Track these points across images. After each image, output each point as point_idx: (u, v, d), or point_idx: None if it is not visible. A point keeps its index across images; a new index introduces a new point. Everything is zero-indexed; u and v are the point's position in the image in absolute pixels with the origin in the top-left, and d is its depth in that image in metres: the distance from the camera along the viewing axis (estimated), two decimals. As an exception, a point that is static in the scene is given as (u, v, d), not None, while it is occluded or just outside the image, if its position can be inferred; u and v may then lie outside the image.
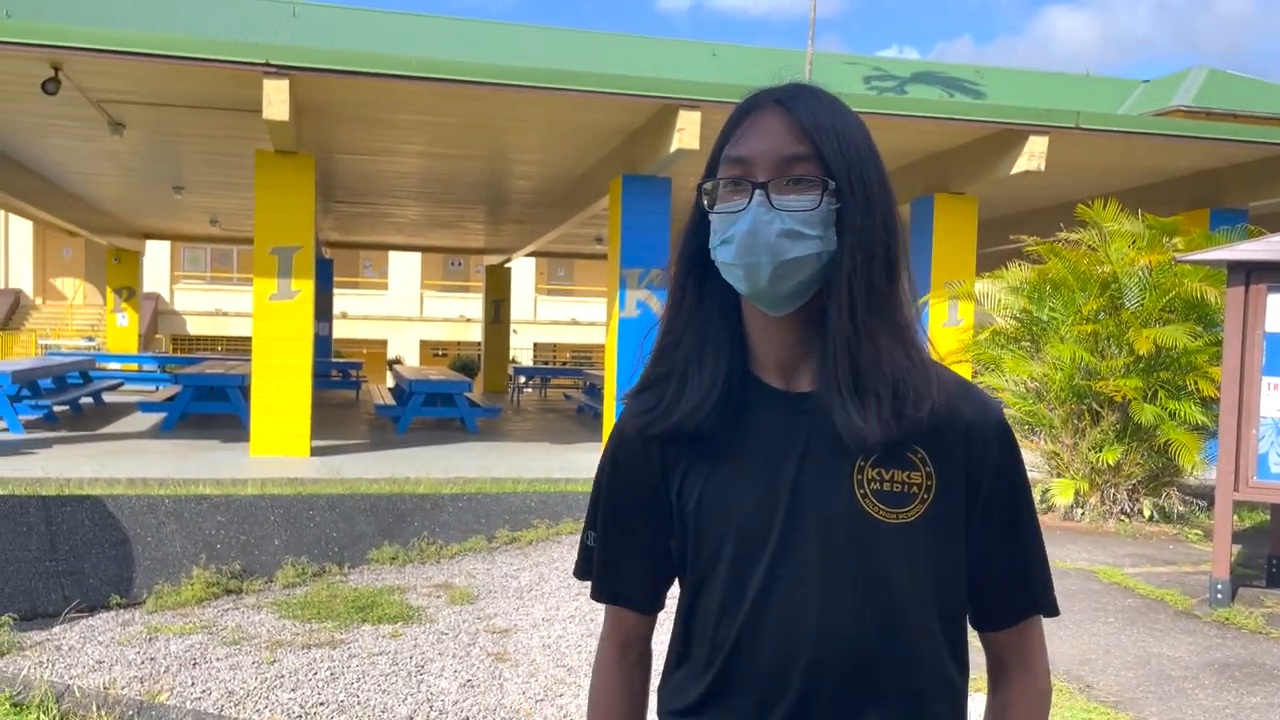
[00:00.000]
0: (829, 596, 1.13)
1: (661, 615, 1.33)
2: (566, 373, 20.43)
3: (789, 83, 1.18)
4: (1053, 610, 1.23)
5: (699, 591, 1.21)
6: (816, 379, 1.14)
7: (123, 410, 13.50)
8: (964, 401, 1.17)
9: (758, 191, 1.11)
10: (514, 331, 26.59)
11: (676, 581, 1.29)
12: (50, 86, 8.00)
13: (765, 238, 1.10)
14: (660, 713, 1.28)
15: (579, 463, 9.73)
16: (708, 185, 1.16)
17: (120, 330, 21.02)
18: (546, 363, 31.16)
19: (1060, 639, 5.05)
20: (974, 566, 1.18)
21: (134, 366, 18.93)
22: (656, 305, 10.13)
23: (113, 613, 5.49)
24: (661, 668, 1.30)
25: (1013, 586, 1.20)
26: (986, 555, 1.18)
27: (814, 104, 1.14)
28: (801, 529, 1.14)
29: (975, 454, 1.16)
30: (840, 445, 1.12)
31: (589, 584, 1.32)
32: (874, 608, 1.12)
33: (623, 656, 1.32)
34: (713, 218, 1.16)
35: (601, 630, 1.35)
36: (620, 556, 1.29)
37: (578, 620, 5.32)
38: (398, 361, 28.58)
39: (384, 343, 31.82)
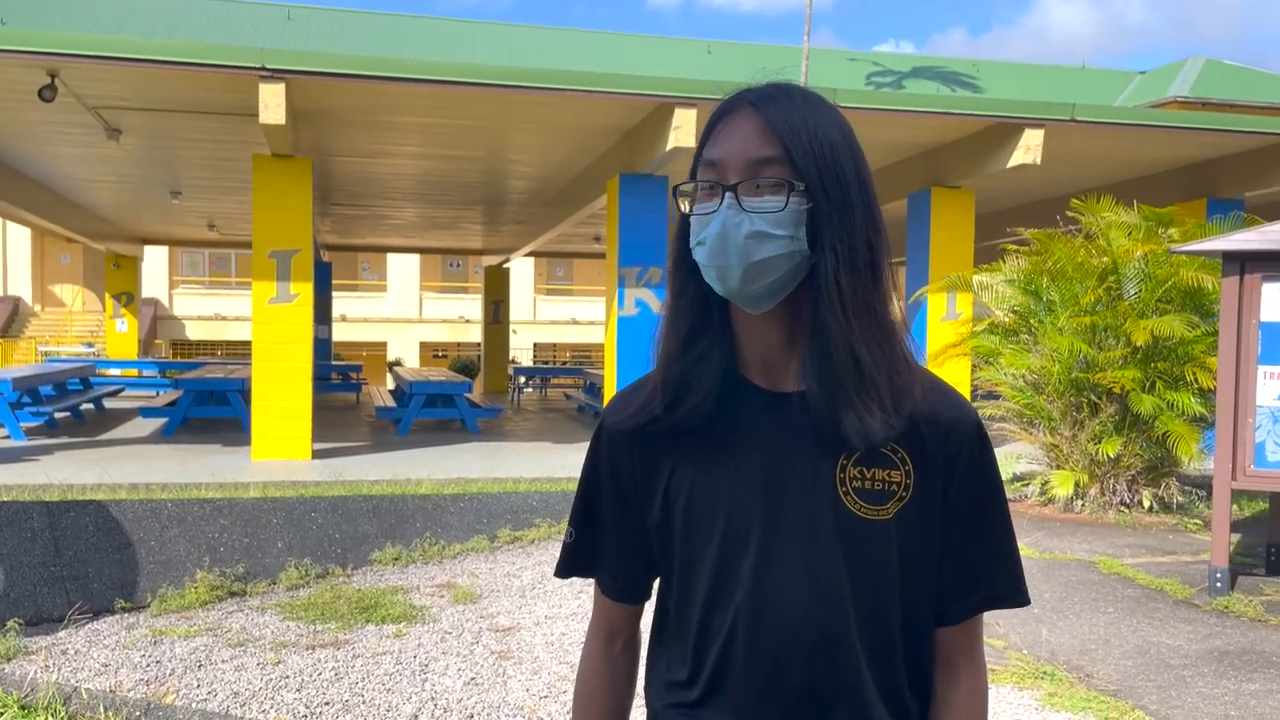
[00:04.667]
0: (814, 591, 1.16)
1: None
2: (567, 372, 20.45)
3: (768, 83, 1.19)
4: (1023, 600, 1.25)
5: (686, 586, 1.23)
6: (808, 378, 1.15)
7: (124, 416, 13.53)
8: (942, 403, 1.19)
9: (727, 194, 1.12)
10: (513, 332, 26.61)
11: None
12: (47, 94, 8.01)
13: (735, 240, 1.12)
14: (652, 703, 1.30)
15: (580, 462, 9.69)
16: (685, 187, 1.18)
17: (120, 336, 21.03)
18: (546, 362, 31.18)
19: (1060, 629, 5.08)
20: (939, 562, 1.21)
21: (134, 372, 18.94)
22: (655, 303, 10.16)
23: (117, 616, 5.52)
24: (648, 651, 1.34)
25: (969, 584, 1.22)
26: (950, 551, 1.20)
27: (787, 105, 1.15)
28: (787, 526, 1.17)
29: (953, 454, 1.18)
30: (823, 443, 1.16)
31: (575, 580, 1.36)
32: (857, 601, 1.16)
33: (609, 645, 1.35)
34: (691, 220, 1.18)
35: (590, 619, 1.39)
36: (602, 544, 1.32)
37: (580, 618, 5.35)
38: (398, 363, 28.61)
39: (384, 345, 31.84)
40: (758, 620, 1.17)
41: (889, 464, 1.16)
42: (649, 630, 1.35)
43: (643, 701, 1.36)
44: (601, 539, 1.32)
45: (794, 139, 1.12)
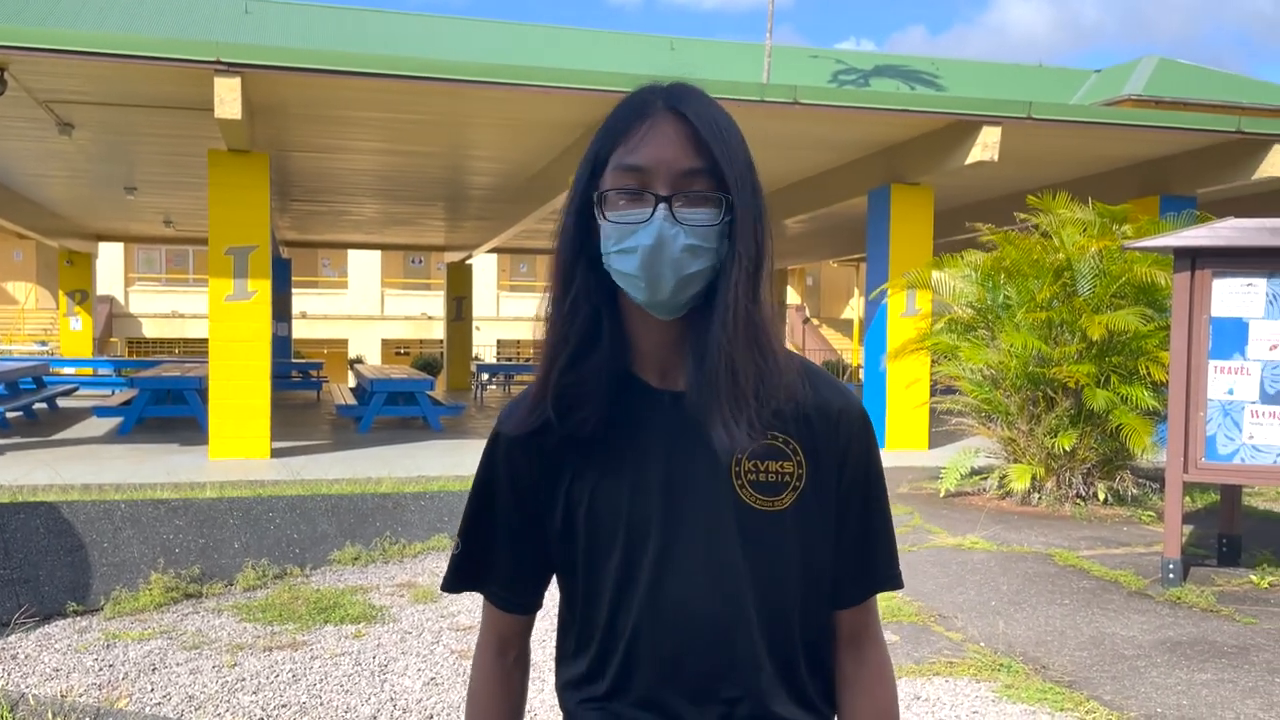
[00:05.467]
0: (713, 584, 1.18)
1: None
2: (530, 369, 20.35)
3: (674, 83, 1.19)
4: (899, 584, 1.30)
5: (590, 588, 1.23)
6: (689, 381, 1.16)
7: (78, 415, 13.30)
8: (828, 390, 1.23)
9: (661, 205, 1.11)
10: (476, 329, 26.49)
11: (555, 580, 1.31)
12: (-5, 87, 7.85)
13: (670, 252, 1.11)
14: (565, 704, 1.30)
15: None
16: (605, 191, 1.14)
17: (74, 334, 20.69)
18: (510, 359, 31.06)
19: (1017, 621, 5.14)
20: (838, 543, 1.24)
21: (89, 371, 18.64)
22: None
23: (69, 620, 5.42)
24: (555, 654, 1.33)
25: (866, 566, 1.26)
26: (846, 536, 1.24)
27: (704, 110, 1.14)
28: (687, 522, 1.18)
29: (843, 442, 1.22)
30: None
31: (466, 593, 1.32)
32: (755, 591, 1.19)
33: (501, 656, 1.34)
34: (605, 225, 1.14)
35: (479, 631, 1.37)
36: (494, 556, 1.30)
37: (541, 616, 5.31)
38: (359, 361, 28.37)
39: (345, 342, 31.57)
40: (660, 615, 1.19)
41: (781, 455, 1.19)
42: (555, 634, 1.34)
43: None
44: (494, 550, 1.29)
45: (720, 149, 1.12)
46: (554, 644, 1.36)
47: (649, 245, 1.11)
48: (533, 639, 1.43)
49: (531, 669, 1.43)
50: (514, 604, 1.32)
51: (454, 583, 1.33)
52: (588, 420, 1.18)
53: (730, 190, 1.12)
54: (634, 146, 1.13)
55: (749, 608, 1.18)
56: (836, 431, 1.21)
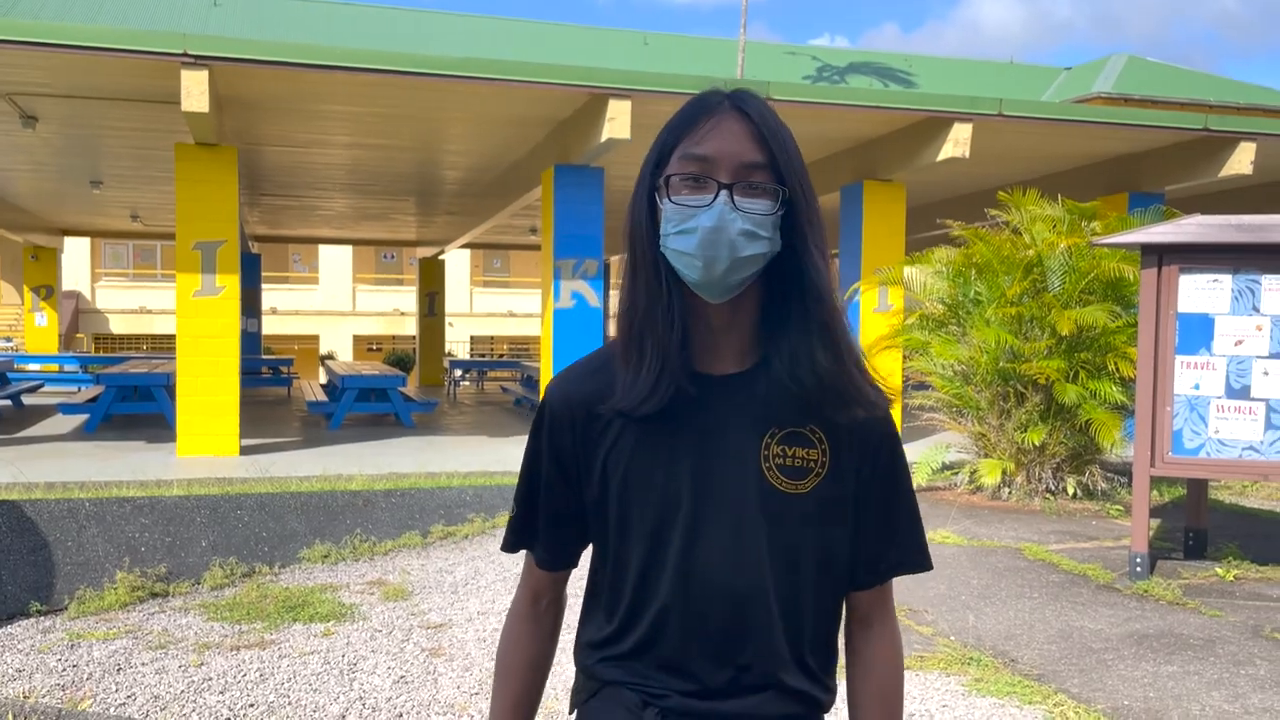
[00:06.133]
0: (739, 557, 1.27)
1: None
2: (503, 365, 20.29)
3: (737, 88, 1.28)
4: (928, 565, 1.38)
5: (621, 556, 1.31)
6: (791, 363, 1.25)
7: (43, 412, 13.12)
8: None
9: (723, 191, 1.20)
10: (449, 324, 26.37)
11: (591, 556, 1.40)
12: (-44, 78, 7.71)
13: (728, 235, 1.19)
14: (587, 658, 1.38)
15: (515, 455, 9.68)
16: (669, 176, 1.23)
17: (39, 330, 20.39)
18: (483, 355, 30.96)
19: (987, 615, 5.17)
20: (854, 532, 1.33)
21: (54, 367, 18.39)
22: (592, 296, 10.12)
23: (32, 620, 5.34)
24: (579, 616, 1.41)
25: (887, 550, 1.35)
26: (869, 522, 1.33)
27: (766, 113, 1.25)
28: (715, 498, 1.27)
29: (867, 435, 1.31)
30: (751, 423, 1.27)
31: (509, 576, 1.41)
32: (774, 567, 1.27)
33: (534, 603, 1.44)
34: (668, 207, 1.23)
35: (519, 582, 1.46)
36: (539, 521, 1.38)
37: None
38: (330, 357, 28.17)
39: (316, 338, 31.33)
40: (687, 584, 1.27)
41: (808, 443, 1.28)
42: (581, 599, 1.41)
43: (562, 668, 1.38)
44: (540, 515, 1.38)
45: (778, 148, 1.22)
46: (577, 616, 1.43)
47: (709, 226, 1.19)
48: (493, 640, 1.44)
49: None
50: (552, 563, 1.41)
51: (511, 544, 1.42)
52: (648, 402, 1.26)
53: (786, 184, 1.22)
54: (700, 138, 1.23)
55: (767, 582, 1.27)
56: (860, 425, 1.29)
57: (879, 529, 1.33)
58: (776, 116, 1.25)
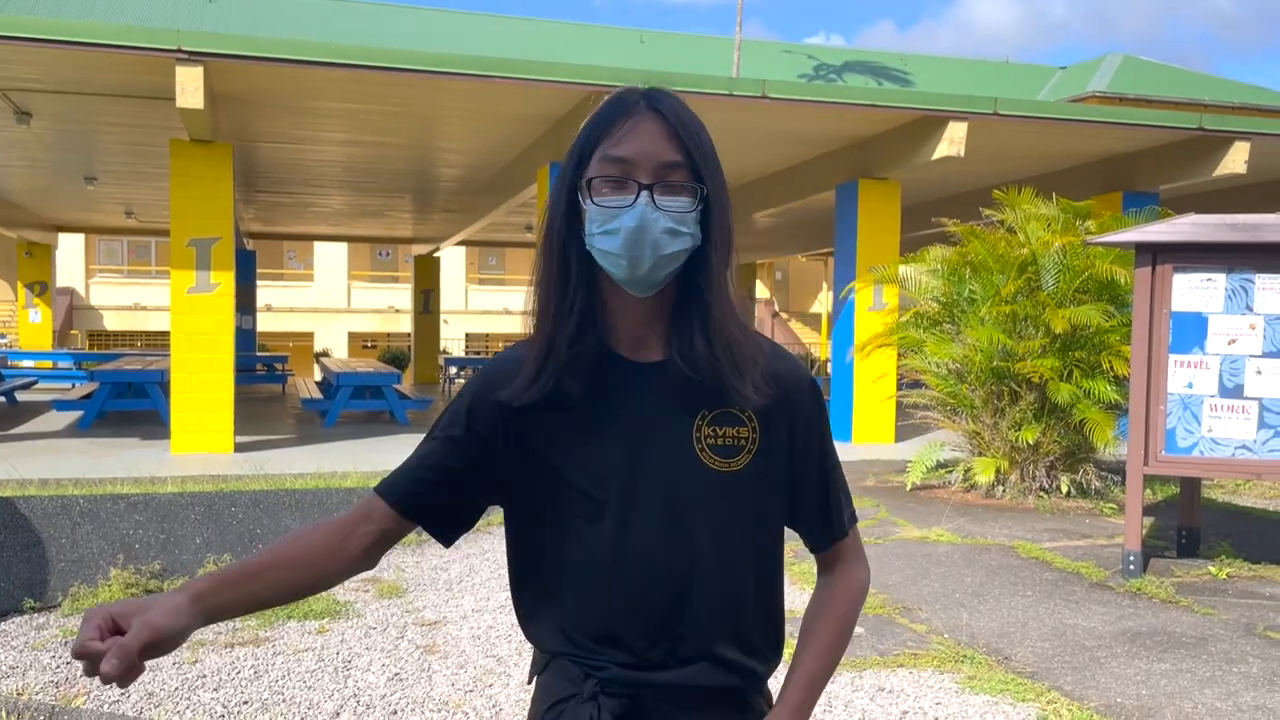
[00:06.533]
0: (676, 536, 1.31)
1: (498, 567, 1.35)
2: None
3: (651, 88, 1.32)
4: (853, 521, 1.46)
5: (559, 535, 1.34)
6: (682, 349, 1.30)
7: (37, 409, 13.09)
8: (780, 364, 1.38)
9: (644, 192, 1.24)
10: (445, 322, 26.35)
11: (511, 536, 1.42)
12: (-51, 74, 7.68)
13: (651, 233, 1.24)
14: (529, 632, 1.42)
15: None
16: (592, 178, 1.27)
17: (33, 327, 20.35)
18: (479, 353, 30.92)
19: (980, 613, 5.18)
20: (794, 505, 1.40)
21: (48, 364, 18.35)
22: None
23: (26, 617, 5.33)
24: (514, 598, 1.43)
25: (826, 519, 1.43)
26: (803, 497, 1.40)
27: (682, 112, 1.29)
28: (652, 479, 1.31)
29: (794, 410, 1.37)
30: (681, 407, 1.32)
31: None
32: (714, 545, 1.32)
33: (355, 522, 1.37)
34: (591, 208, 1.27)
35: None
36: (424, 475, 1.37)
37: (508, 610, 5.31)
38: (325, 354, 28.14)
39: (311, 335, 31.27)
40: (622, 564, 1.31)
41: (738, 422, 1.33)
42: (509, 585, 1.44)
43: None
44: (425, 468, 1.38)
45: (694, 146, 1.27)
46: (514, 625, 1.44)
47: (632, 227, 1.24)
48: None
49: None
50: (404, 506, 1.37)
51: (386, 487, 1.38)
52: (573, 391, 1.30)
53: (704, 182, 1.27)
54: (619, 140, 1.27)
55: (703, 558, 1.31)
56: (786, 400, 1.35)
57: (822, 497, 1.41)
58: (692, 114, 1.30)
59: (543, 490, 1.35)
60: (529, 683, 1.47)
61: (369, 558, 1.37)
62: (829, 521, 1.43)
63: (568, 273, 1.30)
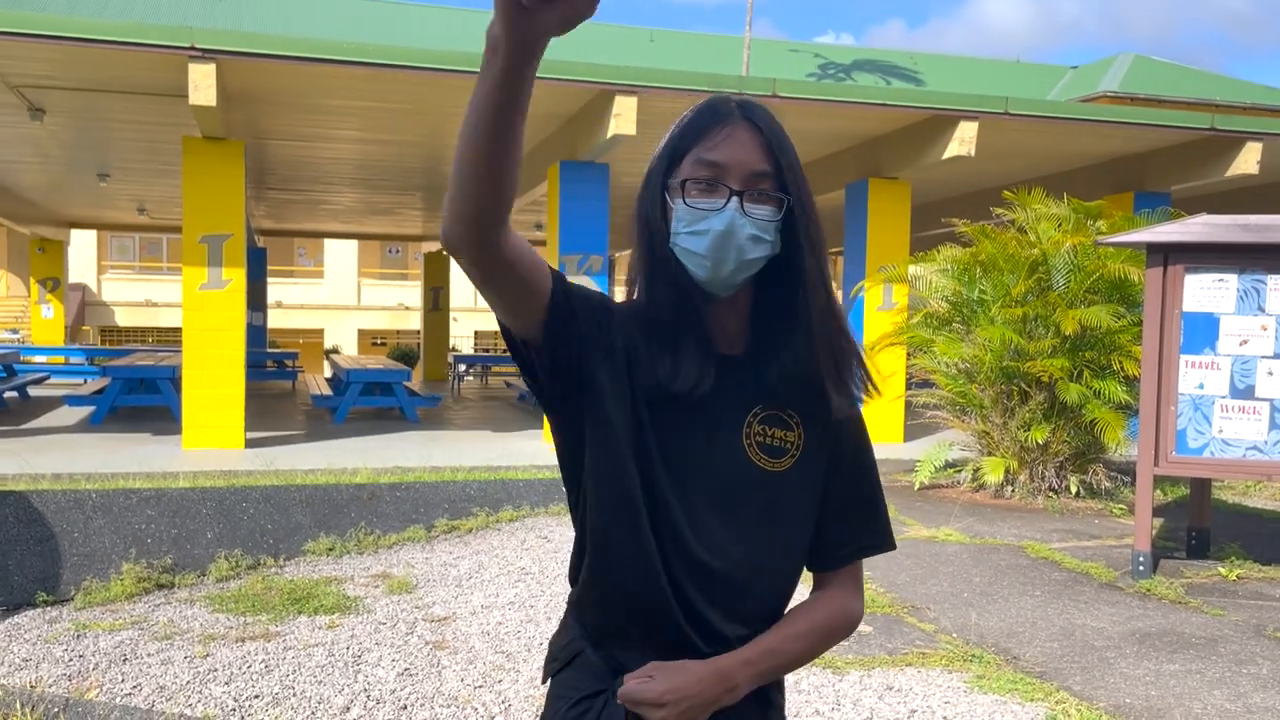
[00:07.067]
0: (723, 526, 1.33)
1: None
2: (508, 360, 20.26)
3: (745, 97, 1.36)
4: (891, 546, 1.46)
5: (599, 512, 1.34)
6: (767, 349, 1.35)
7: (49, 404, 13.16)
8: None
9: (734, 198, 1.29)
10: (454, 319, 26.38)
11: (580, 503, 1.39)
12: (-36, 70, 7.73)
13: (737, 238, 1.29)
14: (572, 613, 1.44)
15: (520, 450, 9.71)
16: (684, 180, 1.30)
17: (45, 322, 20.46)
18: (488, 350, 30.97)
19: (990, 613, 5.18)
20: (821, 517, 1.42)
21: (60, 359, 18.43)
22: (595, 291, 10.11)
23: (39, 610, 5.36)
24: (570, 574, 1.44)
25: (853, 533, 1.44)
26: (834, 505, 1.42)
27: (773, 125, 1.33)
28: (699, 465, 1.34)
29: (836, 424, 1.40)
30: (738, 399, 1.35)
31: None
32: (756, 536, 1.35)
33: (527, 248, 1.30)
34: (681, 208, 1.31)
35: None
36: (560, 294, 1.30)
37: (517, 607, 5.33)
38: (335, 351, 28.22)
39: (321, 332, 31.36)
40: (679, 545, 1.31)
41: (785, 425, 1.37)
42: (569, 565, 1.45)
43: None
44: (558, 294, 1.30)
45: (783, 158, 1.31)
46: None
47: (720, 230, 1.28)
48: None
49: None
50: (559, 303, 1.30)
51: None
52: (703, 384, 1.32)
53: (790, 194, 1.31)
54: (713, 145, 1.30)
55: (746, 549, 1.34)
56: (831, 410, 1.37)
57: (850, 509, 1.43)
58: (781, 128, 1.34)
59: (584, 439, 1.33)
60: (543, 682, 1.46)
61: (504, 241, 1.21)
62: (846, 539, 1.43)
63: (683, 271, 1.32)
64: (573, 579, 1.42)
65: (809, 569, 1.45)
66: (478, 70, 1.14)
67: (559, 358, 1.31)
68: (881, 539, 1.45)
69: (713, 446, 1.34)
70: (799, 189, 1.32)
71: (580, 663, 1.38)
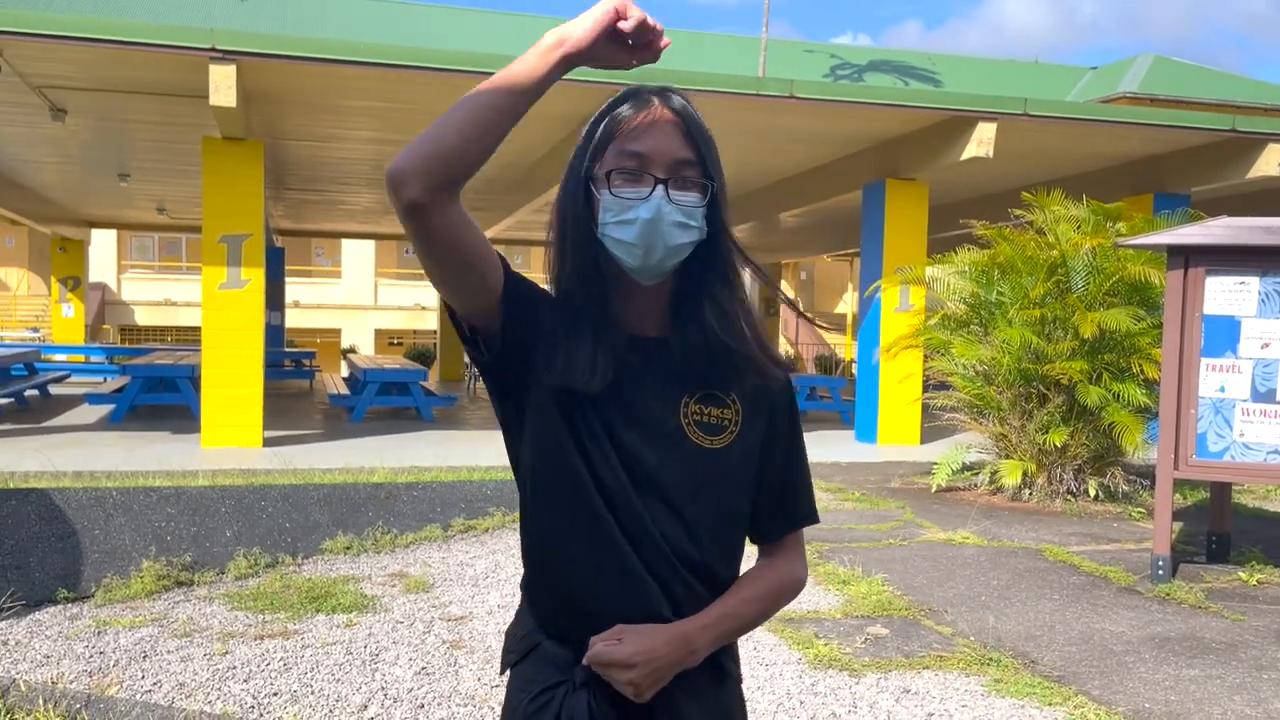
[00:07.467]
0: (661, 506, 1.35)
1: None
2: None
3: (661, 86, 1.38)
4: (815, 519, 1.51)
5: (543, 502, 1.38)
6: (713, 333, 1.36)
7: (69, 402, 13.27)
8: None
9: (659, 186, 1.30)
10: (470, 319, 26.37)
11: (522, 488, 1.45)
12: (-12, 72, 7.81)
13: (663, 225, 1.30)
14: (526, 603, 1.45)
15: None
16: (609, 171, 1.32)
17: (66, 321, 20.62)
18: (503, 351, 30.89)
19: (1007, 616, 5.16)
20: (757, 491, 1.45)
21: (81, 358, 18.58)
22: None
23: (60, 607, 5.41)
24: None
25: (788, 507, 1.48)
26: (765, 483, 1.45)
27: (693, 113, 1.36)
28: (638, 448, 1.35)
29: (773, 399, 1.44)
30: (670, 381, 1.38)
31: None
32: (701, 512, 1.37)
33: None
34: (607, 198, 1.33)
35: None
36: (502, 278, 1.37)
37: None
38: (352, 350, 28.33)
39: (338, 332, 31.50)
40: (607, 531, 1.33)
41: (722, 404, 1.40)
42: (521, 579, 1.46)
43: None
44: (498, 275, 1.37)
45: (704, 145, 1.34)
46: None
47: (647, 218, 1.30)
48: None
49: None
50: (509, 279, 1.39)
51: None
52: (591, 374, 1.33)
53: (712, 178, 1.33)
54: (636, 135, 1.32)
55: (689, 525, 1.36)
56: (767, 389, 1.42)
57: (784, 485, 1.46)
58: (700, 116, 1.36)
59: (524, 434, 1.40)
60: (501, 673, 1.46)
61: (453, 207, 1.30)
62: (785, 512, 1.47)
63: (596, 261, 1.35)
64: (526, 564, 1.45)
65: (752, 541, 1.48)
66: (494, 71, 1.22)
67: (508, 350, 1.37)
68: (813, 510, 1.52)
69: (651, 428, 1.35)
70: (719, 175, 1.35)
71: (538, 655, 1.38)
